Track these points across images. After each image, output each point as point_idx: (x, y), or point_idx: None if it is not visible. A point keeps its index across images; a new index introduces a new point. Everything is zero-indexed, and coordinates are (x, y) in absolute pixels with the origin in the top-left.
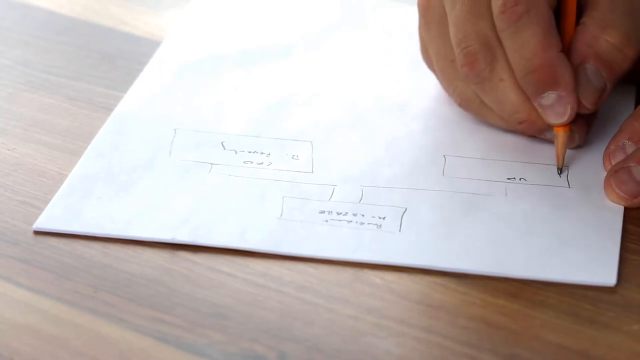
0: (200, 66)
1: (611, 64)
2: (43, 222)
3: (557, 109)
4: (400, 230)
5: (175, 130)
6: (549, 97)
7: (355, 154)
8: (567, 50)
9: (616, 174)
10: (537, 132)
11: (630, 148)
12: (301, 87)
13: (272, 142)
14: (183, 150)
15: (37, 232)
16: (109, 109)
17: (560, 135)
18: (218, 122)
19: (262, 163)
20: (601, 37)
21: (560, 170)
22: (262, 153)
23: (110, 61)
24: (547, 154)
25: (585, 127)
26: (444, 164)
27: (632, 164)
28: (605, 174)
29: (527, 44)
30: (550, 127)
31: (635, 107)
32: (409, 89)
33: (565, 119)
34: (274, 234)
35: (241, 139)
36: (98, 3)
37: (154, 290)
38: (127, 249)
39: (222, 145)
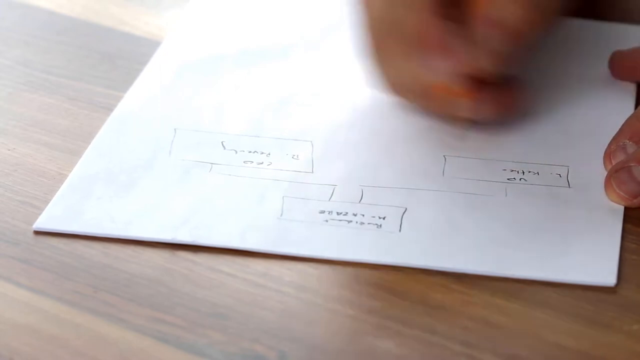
0: (200, 66)
1: (503, 24)
2: (43, 222)
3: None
4: (400, 230)
5: (175, 130)
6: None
7: (355, 154)
8: (472, 14)
9: (617, 174)
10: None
11: (630, 148)
12: (301, 87)
13: (272, 141)
14: (183, 150)
15: (37, 232)
16: (109, 109)
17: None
18: (218, 122)
19: (262, 163)
20: None
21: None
22: (262, 153)
23: (110, 61)
24: (547, 154)
25: (493, 101)
26: (444, 164)
27: (632, 164)
28: (605, 173)
29: None
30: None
31: (636, 106)
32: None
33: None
34: (274, 234)
35: (241, 139)
36: (98, 3)
37: (154, 290)
38: (127, 249)
39: (222, 145)
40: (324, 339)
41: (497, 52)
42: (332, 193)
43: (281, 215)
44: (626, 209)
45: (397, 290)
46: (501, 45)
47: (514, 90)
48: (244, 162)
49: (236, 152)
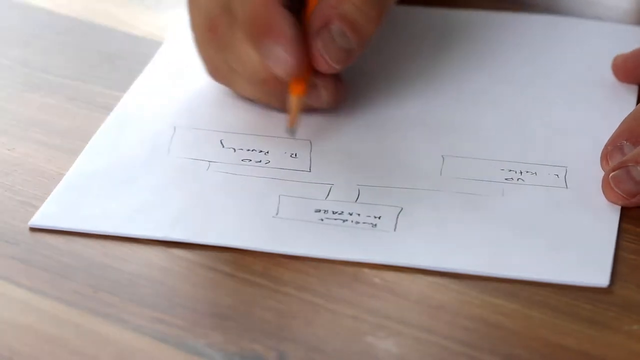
0: (200, 66)
1: (355, 24)
2: (39, 219)
3: (277, 59)
4: (395, 230)
5: (174, 128)
6: (268, 47)
7: (353, 153)
8: (314, 12)
9: (615, 173)
10: (280, 100)
11: (628, 149)
12: None
13: (270, 140)
14: (181, 147)
15: (37, 232)
16: (109, 109)
17: (293, 99)
18: (217, 120)
19: (260, 161)
20: None
21: (291, 131)
22: (261, 151)
23: (110, 61)
24: (545, 154)
25: (333, 87)
26: (442, 164)
27: (630, 164)
28: (602, 174)
29: None
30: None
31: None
32: (408, 89)
33: (286, 67)
34: (270, 233)
35: (240, 137)
36: (98, 3)
37: (154, 290)
38: (127, 249)
39: (221, 143)
40: (324, 339)
41: (347, 50)
42: (329, 192)
43: (276, 213)
44: (624, 208)
45: (396, 290)
46: (353, 44)
47: (340, 78)
48: (242, 160)
49: (234, 150)
